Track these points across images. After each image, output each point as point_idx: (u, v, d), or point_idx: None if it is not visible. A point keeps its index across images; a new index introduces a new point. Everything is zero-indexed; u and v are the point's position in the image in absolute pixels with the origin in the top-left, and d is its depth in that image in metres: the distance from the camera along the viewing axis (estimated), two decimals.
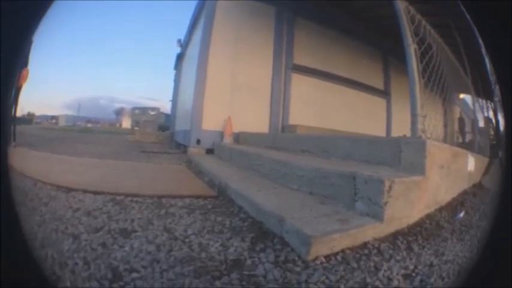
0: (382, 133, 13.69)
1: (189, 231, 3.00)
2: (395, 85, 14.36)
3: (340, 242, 2.44)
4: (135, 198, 4.16)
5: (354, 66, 13.05)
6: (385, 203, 2.79)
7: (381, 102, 14.30)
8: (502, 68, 1.41)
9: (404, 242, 2.79)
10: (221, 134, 9.44)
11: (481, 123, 12.01)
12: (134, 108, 58.05)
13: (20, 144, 10.01)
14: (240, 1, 10.42)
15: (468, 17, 1.57)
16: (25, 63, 6.98)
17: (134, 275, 2.23)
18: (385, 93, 14.43)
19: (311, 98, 11.41)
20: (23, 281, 1.38)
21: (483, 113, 12.58)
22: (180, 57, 19.46)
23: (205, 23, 10.35)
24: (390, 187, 2.82)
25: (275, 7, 11.10)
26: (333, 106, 11.96)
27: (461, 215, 3.94)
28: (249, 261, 2.36)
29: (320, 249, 2.30)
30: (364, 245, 2.59)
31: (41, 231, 2.90)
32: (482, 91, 11.63)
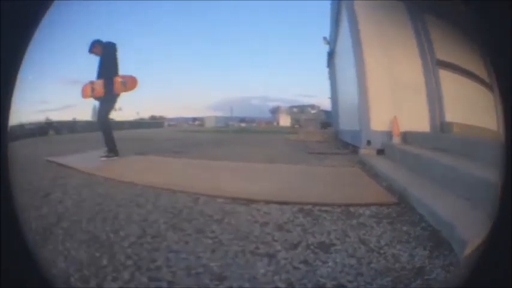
0: None
1: (382, 242, 3.16)
2: None
3: None
4: (323, 208, 4.29)
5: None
6: None
7: None
8: (502, 67, 1.39)
9: None
10: (389, 134, 9.51)
11: None
12: (292, 107, 58.45)
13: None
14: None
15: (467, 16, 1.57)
16: (115, 72, 9.07)
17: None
18: None
19: (461, 95, 10.86)
20: (23, 281, 1.43)
21: None
22: (330, 55, 19.62)
23: (350, 23, 10.79)
24: None
25: (403, 3, 10.84)
26: (484, 103, 11.43)
27: None
28: (427, 268, 2.56)
29: None
30: None
31: (219, 253, 2.98)
32: None
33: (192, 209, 4.41)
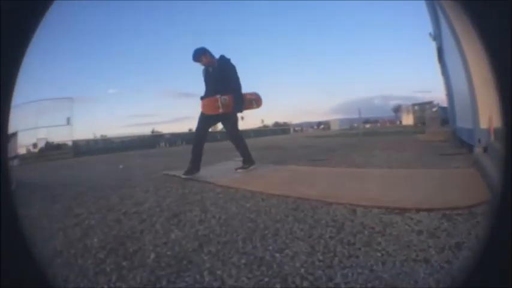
0: None
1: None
2: None
3: None
4: (455, 211, 4.34)
5: None
6: None
7: None
8: (502, 67, 1.36)
9: None
10: (488, 132, 9.25)
11: None
12: (414, 105, 57.05)
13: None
14: None
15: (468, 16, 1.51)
16: (241, 87, 9.57)
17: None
18: None
19: None
20: (23, 281, 1.35)
21: None
22: (439, 51, 19.35)
23: (446, 21, 11.13)
24: None
25: None
26: None
27: None
28: None
29: None
30: None
31: (389, 264, 2.95)
32: None
33: (354, 222, 4.33)
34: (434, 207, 4.61)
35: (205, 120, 9.67)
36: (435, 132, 19.97)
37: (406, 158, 10.91)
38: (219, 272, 2.98)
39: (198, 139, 9.72)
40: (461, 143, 13.12)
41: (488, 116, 9.32)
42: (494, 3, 1.35)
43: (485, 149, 9.24)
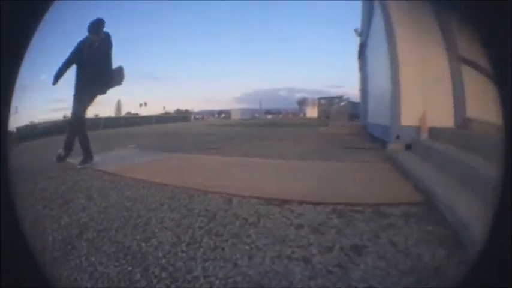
0: None
1: (409, 242, 3.21)
2: None
3: None
4: (355, 208, 4.30)
5: None
6: None
7: None
8: (502, 67, 1.39)
9: None
10: (417, 129, 9.51)
11: None
12: (320, 98, 58.27)
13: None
14: None
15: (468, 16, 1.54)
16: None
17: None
18: None
19: (484, 92, 11.00)
20: (23, 281, 1.40)
21: None
22: (362, 47, 19.70)
23: (384, 16, 10.83)
24: None
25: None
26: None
27: None
28: (443, 268, 2.68)
29: None
30: None
31: (257, 259, 3.00)
32: None
33: (227, 212, 4.42)
34: (323, 200, 4.61)
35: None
36: (340, 125, 20.11)
37: (307, 149, 11.09)
38: (92, 259, 3.08)
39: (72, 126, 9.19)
40: (372, 139, 13.16)
41: (422, 113, 9.48)
42: (494, 3, 1.35)
43: (408, 146, 9.27)
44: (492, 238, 1.34)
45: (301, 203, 4.55)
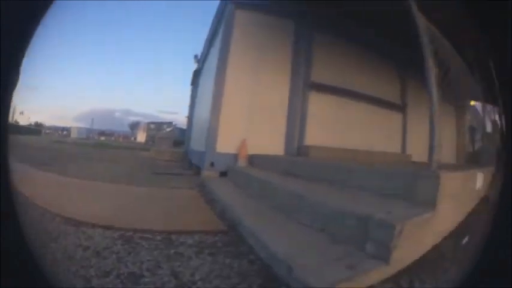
0: (398, 149, 13.61)
1: (197, 276, 2.87)
2: (411, 98, 14.06)
3: None
4: (145, 235, 4.01)
5: (371, 81, 12.89)
6: (395, 246, 2.71)
7: (397, 117, 14.08)
8: (502, 67, 1.44)
9: (408, 280, 2.72)
10: (235, 157, 9.30)
11: (489, 129, 11.84)
12: (150, 123, 58.40)
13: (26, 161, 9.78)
14: (258, 16, 10.36)
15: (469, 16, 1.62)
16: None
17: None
18: (401, 108, 14.21)
19: (328, 117, 11.31)
20: (23, 281, 1.41)
21: (490, 117, 12.42)
22: (196, 74, 19.47)
23: (223, 42, 10.29)
24: (401, 231, 2.75)
25: (294, 22, 10.97)
26: (349, 124, 11.84)
27: (466, 239, 3.77)
28: None
29: None
30: None
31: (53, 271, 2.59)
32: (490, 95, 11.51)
33: None
34: (114, 225, 4.32)
35: None
36: (162, 151, 20.29)
37: (119, 171, 10.63)
38: None
39: None
40: (190, 165, 12.96)
41: (241, 141, 9.27)
42: (494, 3, 1.43)
43: (223, 173, 9.05)
44: (492, 238, 1.40)
45: (93, 226, 4.23)
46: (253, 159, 9.26)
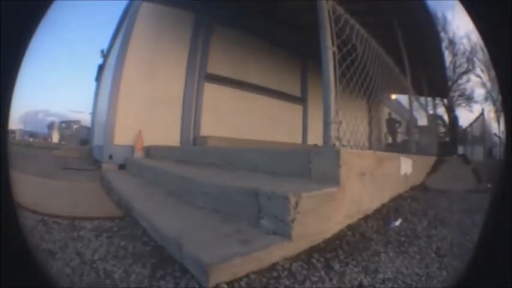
0: (298, 141, 13.91)
1: (96, 256, 2.95)
2: (312, 91, 14.47)
3: (243, 266, 2.32)
4: (56, 220, 4.14)
5: (271, 74, 13.17)
6: (293, 220, 2.67)
7: (297, 109, 14.40)
8: (502, 67, 1.43)
9: (322, 259, 2.65)
10: (132, 149, 9.32)
11: (423, 122, 12.13)
12: (61, 122, 57.33)
13: None
14: (161, 9, 10.32)
15: (468, 16, 1.55)
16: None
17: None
18: (301, 100, 14.54)
19: (225, 108, 11.48)
20: (23, 281, 1.40)
21: (426, 111, 12.73)
22: (101, 68, 18.88)
23: (125, 32, 10.23)
24: (297, 203, 2.71)
25: (195, 14, 11.07)
26: (247, 115, 12.07)
27: (397, 223, 3.80)
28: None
29: (220, 276, 2.18)
30: (272, 266, 2.45)
31: None
32: (428, 89, 11.76)
33: None
34: (37, 210, 4.45)
35: None
36: (70, 148, 20.85)
37: (31, 167, 9.84)
38: None
39: None
40: (95, 161, 12.55)
41: (137, 132, 9.35)
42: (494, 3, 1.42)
43: (122, 166, 9.09)
44: (492, 238, 1.38)
45: (27, 209, 4.35)
46: (149, 151, 9.32)
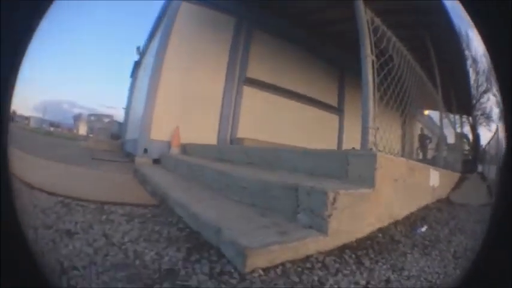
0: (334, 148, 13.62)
1: (126, 239, 2.95)
2: (349, 102, 14.36)
3: (280, 254, 2.34)
4: (80, 203, 4.09)
5: (309, 82, 13.12)
6: (329, 216, 2.69)
7: (333, 118, 14.35)
8: (502, 70, 1.42)
9: (353, 256, 2.70)
10: (169, 145, 9.37)
11: (451, 140, 12.05)
12: (90, 115, 57.62)
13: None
14: (201, 10, 10.37)
15: (468, 17, 1.57)
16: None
17: (75, 272, 2.26)
18: (338, 110, 14.48)
19: (262, 112, 11.50)
20: (23, 281, 1.41)
21: (454, 129, 12.64)
22: (137, 65, 18.88)
23: (164, 31, 10.26)
24: (335, 199, 2.74)
25: (235, 18, 11.12)
26: (283, 121, 12.01)
27: (423, 229, 3.93)
28: (183, 272, 2.30)
29: (257, 262, 2.19)
30: (307, 258, 2.48)
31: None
32: (457, 107, 11.71)
33: None
34: (56, 192, 4.43)
35: None
36: (99, 140, 20.39)
37: (61, 155, 10.11)
38: None
39: None
40: (126, 155, 12.73)
41: (174, 129, 9.38)
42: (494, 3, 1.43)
43: (156, 161, 9.11)
44: (492, 238, 1.42)
45: (41, 191, 4.35)
46: (185, 148, 9.33)
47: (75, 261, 2.39)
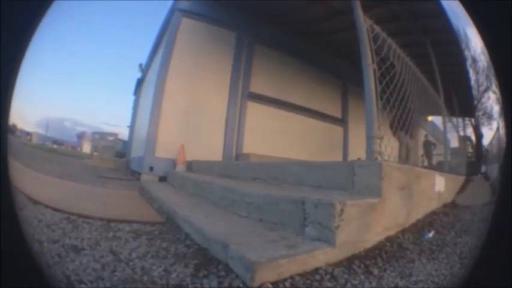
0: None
1: (134, 255, 2.95)
2: (353, 113, 14.44)
3: (289, 267, 2.33)
4: (86, 220, 4.11)
5: (312, 95, 13.21)
6: (337, 227, 2.70)
7: (338, 130, 14.36)
8: (502, 68, 1.43)
9: (362, 266, 2.71)
10: (174, 162, 9.36)
11: (455, 144, 12.04)
12: (94, 133, 57.80)
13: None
14: (202, 26, 10.48)
15: (468, 17, 1.58)
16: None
17: (83, 286, 2.28)
18: (342, 121, 14.51)
19: (266, 127, 11.54)
20: (23, 282, 1.44)
21: (458, 132, 12.63)
22: (140, 83, 19.15)
23: (166, 48, 10.31)
24: (342, 210, 2.74)
25: (236, 33, 11.21)
26: (288, 135, 12.07)
27: (430, 235, 3.93)
28: (191, 287, 2.30)
29: (266, 276, 2.18)
30: (316, 270, 2.47)
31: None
32: (459, 109, 11.72)
33: None
34: (62, 209, 4.46)
35: None
36: (104, 158, 20.30)
37: (66, 172, 10.14)
38: None
39: None
40: (131, 173, 12.79)
41: (179, 147, 9.35)
42: (494, 3, 1.43)
43: (162, 178, 9.19)
44: (492, 238, 1.43)
45: (46, 206, 4.39)
46: (191, 165, 9.35)
47: (82, 276, 2.41)
